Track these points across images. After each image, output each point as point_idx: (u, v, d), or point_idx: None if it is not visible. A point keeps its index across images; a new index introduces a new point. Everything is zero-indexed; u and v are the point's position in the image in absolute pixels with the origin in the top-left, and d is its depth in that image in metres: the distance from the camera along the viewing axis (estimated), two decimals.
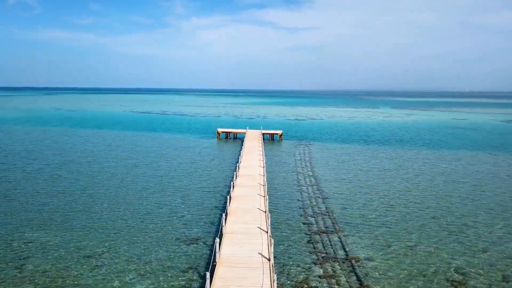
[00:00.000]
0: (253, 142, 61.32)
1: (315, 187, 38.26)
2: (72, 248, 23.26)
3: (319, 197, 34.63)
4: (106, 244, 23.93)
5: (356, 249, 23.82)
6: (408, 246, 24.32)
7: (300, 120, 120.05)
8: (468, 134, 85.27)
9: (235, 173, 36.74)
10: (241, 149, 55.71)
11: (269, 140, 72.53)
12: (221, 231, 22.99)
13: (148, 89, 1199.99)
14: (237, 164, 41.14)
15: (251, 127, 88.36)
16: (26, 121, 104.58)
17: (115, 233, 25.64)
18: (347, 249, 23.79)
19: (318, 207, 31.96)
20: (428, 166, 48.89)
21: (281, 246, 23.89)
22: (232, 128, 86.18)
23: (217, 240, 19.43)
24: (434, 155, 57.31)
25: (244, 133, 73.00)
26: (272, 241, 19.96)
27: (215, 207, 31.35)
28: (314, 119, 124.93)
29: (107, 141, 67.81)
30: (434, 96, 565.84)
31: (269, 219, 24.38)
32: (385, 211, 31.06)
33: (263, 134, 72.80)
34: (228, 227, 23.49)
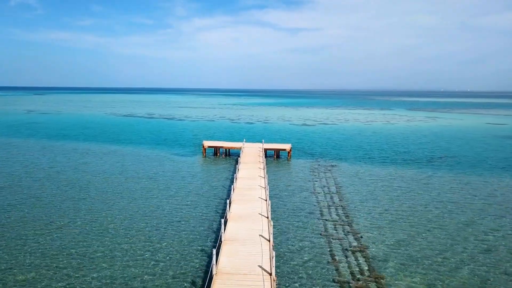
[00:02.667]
0: (251, 165, 41.59)
1: (366, 271, 18.48)
2: None
3: None
4: None
5: None
6: None
7: (309, 125, 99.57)
8: None
9: (219, 241, 17.05)
10: (232, 182, 35.95)
11: (273, 158, 52.74)
12: None
13: (149, 89, 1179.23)
14: (223, 226, 21.49)
15: (250, 137, 69.19)
16: None
17: None
18: None
19: None
20: None
21: None
22: (224, 140, 66.28)
23: None
24: None
25: (240, 148, 53.23)
26: None
27: None
28: (325, 124, 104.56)
29: (43, 160, 47.88)
30: (440, 96, 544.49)
31: None
32: None
33: (266, 150, 53.04)
34: None
